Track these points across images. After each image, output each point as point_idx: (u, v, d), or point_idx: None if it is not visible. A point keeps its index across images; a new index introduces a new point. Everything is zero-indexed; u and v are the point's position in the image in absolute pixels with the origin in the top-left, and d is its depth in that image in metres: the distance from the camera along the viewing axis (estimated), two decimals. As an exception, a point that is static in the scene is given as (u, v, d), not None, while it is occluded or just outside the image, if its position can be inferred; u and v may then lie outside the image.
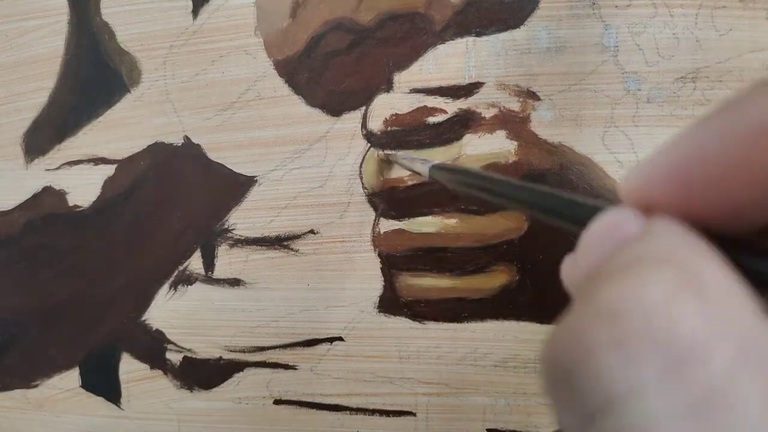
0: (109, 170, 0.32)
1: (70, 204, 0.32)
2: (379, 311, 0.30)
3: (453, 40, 0.28)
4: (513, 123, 0.27)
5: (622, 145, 0.27)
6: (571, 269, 0.11)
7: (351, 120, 0.29)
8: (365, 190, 0.29)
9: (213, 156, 0.30)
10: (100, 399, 0.33)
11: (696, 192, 0.09)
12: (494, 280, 0.28)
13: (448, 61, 0.28)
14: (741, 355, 0.07)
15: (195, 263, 0.31)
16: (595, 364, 0.08)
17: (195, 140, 0.30)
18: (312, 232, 0.30)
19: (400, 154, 0.27)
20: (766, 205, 0.09)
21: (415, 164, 0.25)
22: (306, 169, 0.29)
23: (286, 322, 0.31)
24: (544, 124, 0.27)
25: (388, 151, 0.28)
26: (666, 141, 0.10)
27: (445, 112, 0.28)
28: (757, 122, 0.09)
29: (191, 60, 0.30)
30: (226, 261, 0.31)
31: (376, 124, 0.29)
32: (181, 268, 0.31)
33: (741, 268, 0.08)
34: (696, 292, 0.08)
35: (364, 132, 0.29)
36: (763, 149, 0.09)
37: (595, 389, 0.08)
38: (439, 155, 0.28)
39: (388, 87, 0.28)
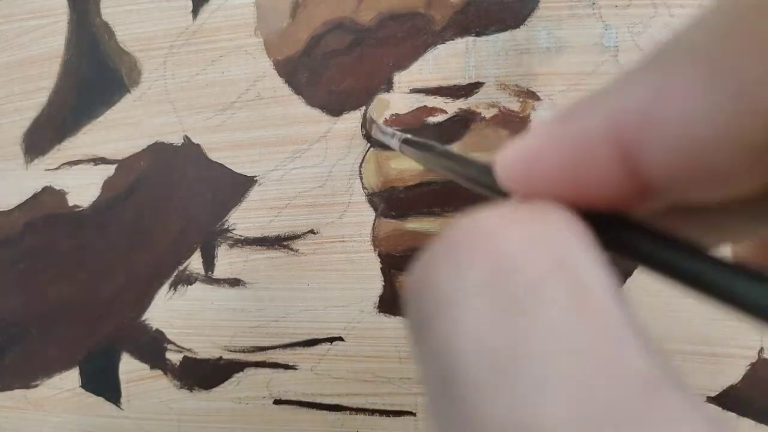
0: (109, 170, 0.32)
1: (70, 204, 0.32)
2: (379, 311, 0.30)
3: (453, 40, 0.28)
4: (513, 123, 0.27)
5: (622, 145, 0.27)
6: None
7: (351, 120, 0.29)
8: (365, 190, 0.29)
9: (213, 156, 0.30)
10: (100, 399, 0.33)
11: (545, 183, 0.10)
12: (494, 280, 0.28)
13: (448, 61, 0.28)
14: (555, 270, 0.08)
15: (195, 263, 0.31)
16: (429, 274, 0.09)
17: (195, 140, 0.30)
18: (312, 232, 0.30)
19: (380, 125, 0.27)
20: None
21: (387, 137, 0.24)
22: (306, 169, 0.29)
23: (286, 322, 0.31)
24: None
25: (374, 120, 0.28)
26: (535, 125, 0.10)
27: (445, 112, 0.28)
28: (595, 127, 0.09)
29: (191, 60, 0.30)
30: (226, 261, 0.31)
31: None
32: (181, 268, 0.31)
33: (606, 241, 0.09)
34: (524, 218, 0.09)
35: (364, 132, 0.29)
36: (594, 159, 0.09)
37: (427, 297, 0.09)
38: (439, 155, 0.28)
39: (388, 87, 0.28)
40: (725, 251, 0.10)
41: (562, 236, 0.09)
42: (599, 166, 0.09)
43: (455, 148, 0.28)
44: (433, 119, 0.28)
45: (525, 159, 0.10)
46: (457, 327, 0.08)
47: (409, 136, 0.22)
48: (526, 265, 0.08)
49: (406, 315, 0.10)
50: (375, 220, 0.29)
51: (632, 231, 0.09)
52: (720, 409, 0.28)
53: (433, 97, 0.28)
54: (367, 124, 0.28)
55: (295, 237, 0.30)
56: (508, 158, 0.10)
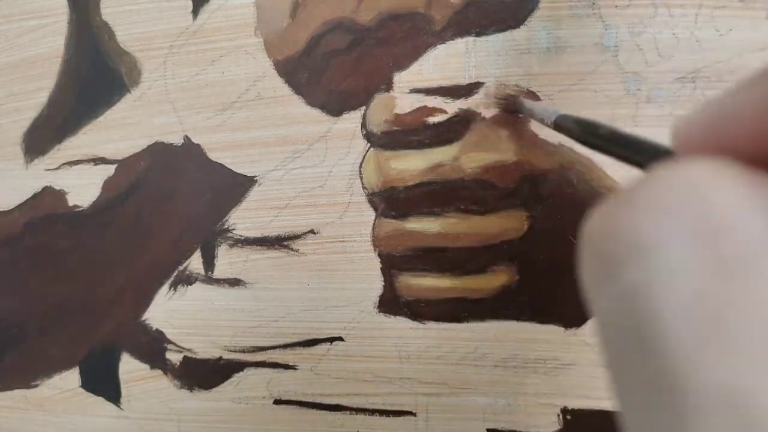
0: (109, 170, 0.32)
1: (70, 204, 0.32)
2: (379, 311, 0.30)
3: (453, 40, 0.28)
4: (513, 123, 0.27)
5: (622, 145, 0.27)
6: None
7: (351, 120, 0.29)
8: (365, 190, 0.29)
9: (213, 156, 0.30)
10: (100, 399, 0.33)
11: (734, 150, 0.09)
12: (494, 280, 0.28)
13: (448, 61, 0.28)
14: None
15: (195, 263, 0.31)
16: (627, 217, 0.08)
17: (195, 140, 0.30)
18: (312, 232, 0.30)
19: (527, 104, 0.26)
20: None
21: (537, 113, 0.24)
22: (306, 169, 0.29)
23: (286, 322, 0.31)
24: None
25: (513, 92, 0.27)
26: (712, 97, 0.10)
27: (445, 112, 0.28)
28: None
29: (191, 60, 0.30)
30: (226, 261, 0.31)
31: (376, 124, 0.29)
32: (181, 268, 0.31)
33: None
34: (738, 177, 0.08)
35: (364, 132, 0.29)
36: None
37: (622, 238, 0.08)
38: (439, 155, 0.28)
39: (388, 87, 0.28)
40: None
41: None
42: None
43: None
44: (433, 119, 0.28)
45: (714, 120, 0.09)
46: (660, 278, 0.08)
47: (562, 112, 0.22)
48: (743, 224, 0.07)
49: (585, 258, 0.09)
50: (375, 220, 0.29)
51: None
52: None
53: (433, 97, 0.28)
54: (512, 102, 0.27)
55: (295, 237, 0.30)
56: (691, 120, 0.09)
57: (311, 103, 0.29)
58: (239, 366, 0.31)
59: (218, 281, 0.31)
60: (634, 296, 0.08)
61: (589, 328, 0.28)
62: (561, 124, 0.22)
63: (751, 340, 0.07)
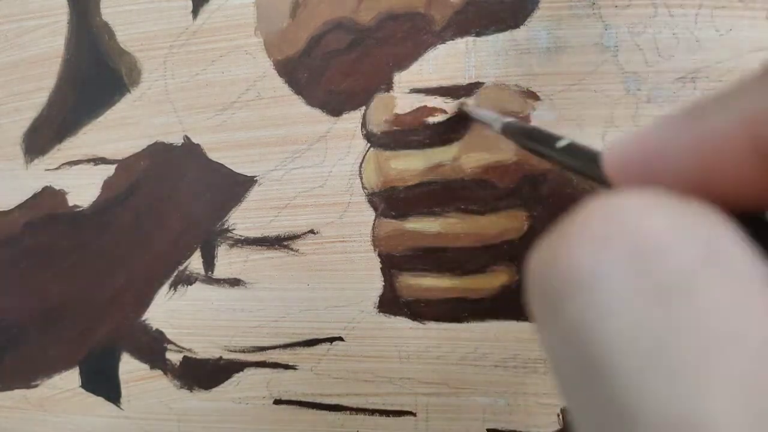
0: (109, 170, 0.32)
1: (70, 204, 0.32)
2: (379, 311, 0.30)
3: (453, 40, 0.28)
4: (513, 123, 0.27)
5: (622, 145, 0.27)
6: None
7: (351, 120, 0.29)
8: (365, 190, 0.29)
9: (213, 156, 0.30)
10: (100, 399, 0.33)
11: (665, 180, 0.09)
12: (494, 280, 0.28)
13: (448, 61, 0.28)
14: (709, 258, 0.08)
15: (195, 263, 0.31)
16: (564, 252, 0.09)
17: (195, 140, 0.30)
18: (312, 232, 0.30)
19: (474, 108, 0.26)
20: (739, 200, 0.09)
21: (487, 118, 0.24)
22: (306, 169, 0.29)
23: (286, 322, 0.31)
24: (544, 124, 0.27)
25: (465, 101, 0.27)
26: (648, 124, 0.10)
27: (445, 112, 0.28)
28: (741, 121, 0.09)
29: (191, 60, 0.30)
30: (226, 261, 0.31)
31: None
32: (181, 268, 0.31)
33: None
34: (668, 205, 0.08)
35: (364, 132, 0.29)
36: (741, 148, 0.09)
37: (561, 275, 0.08)
38: (439, 155, 0.28)
39: (388, 87, 0.28)
40: None
41: (711, 223, 0.08)
42: (733, 162, 0.08)
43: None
44: (433, 119, 0.28)
45: (643, 154, 0.09)
46: (599, 310, 0.08)
47: (510, 120, 0.22)
48: (676, 250, 0.08)
49: (531, 295, 0.09)
50: (375, 220, 0.29)
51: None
52: None
53: (433, 97, 0.28)
54: (463, 107, 0.27)
55: (295, 237, 0.30)
56: (621, 151, 0.10)
57: (311, 103, 0.29)
58: (239, 366, 0.31)
59: (218, 281, 0.31)
60: (577, 330, 0.08)
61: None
62: (507, 131, 0.22)
63: (690, 365, 0.07)
